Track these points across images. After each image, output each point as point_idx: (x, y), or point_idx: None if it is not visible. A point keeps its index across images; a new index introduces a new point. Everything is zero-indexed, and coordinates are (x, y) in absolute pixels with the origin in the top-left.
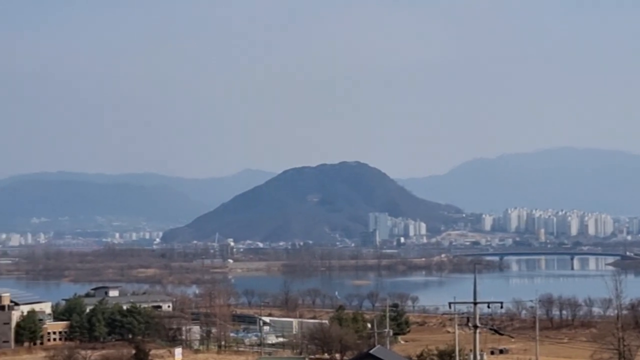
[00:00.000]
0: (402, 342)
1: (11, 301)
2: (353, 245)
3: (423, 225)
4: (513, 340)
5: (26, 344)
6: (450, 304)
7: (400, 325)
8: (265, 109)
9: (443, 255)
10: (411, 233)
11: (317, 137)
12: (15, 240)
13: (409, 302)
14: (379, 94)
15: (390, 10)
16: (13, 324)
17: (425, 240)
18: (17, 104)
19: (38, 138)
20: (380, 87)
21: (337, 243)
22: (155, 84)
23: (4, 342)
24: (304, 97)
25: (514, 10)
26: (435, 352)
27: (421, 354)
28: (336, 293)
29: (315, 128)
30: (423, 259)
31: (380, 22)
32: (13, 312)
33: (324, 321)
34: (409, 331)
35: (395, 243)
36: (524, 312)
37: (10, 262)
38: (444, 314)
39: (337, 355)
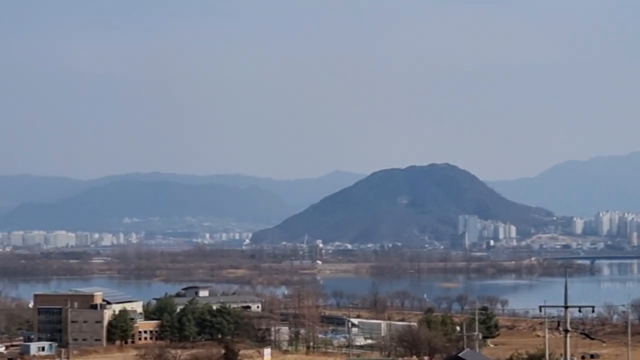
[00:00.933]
0: (492, 345)
1: (103, 300)
2: (442, 247)
3: (513, 228)
4: (604, 345)
5: (118, 342)
6: (540, 307)
7: (490, 328)
8: (354, 110)
9: (533, 259)
10: (501, 236)
11: (407, 139)
12: (108, 240)
13: (499, 306)
14: (468, 95)
15: (486, 12)
16: (105, 322)
17: (515, 243)
18: (113, 106)
19: (132, 139)
20: (469, 89)
21: (426, 245)
22: (245, 86)
23: (96, 340)
24: (393, 99)
25: (611, 12)
26: (525, 356)
27: (510, 358)
28: (425, 295)
29: (404, 130)
30: (513, 262)
31: (475, 24)
32: (105, 310)
33: (412, 323)
34: (498, 334)
35: (484, 246)
36: (615, 316)
37: (102, 261)
38: (534, 317)
39: (426, 358)
